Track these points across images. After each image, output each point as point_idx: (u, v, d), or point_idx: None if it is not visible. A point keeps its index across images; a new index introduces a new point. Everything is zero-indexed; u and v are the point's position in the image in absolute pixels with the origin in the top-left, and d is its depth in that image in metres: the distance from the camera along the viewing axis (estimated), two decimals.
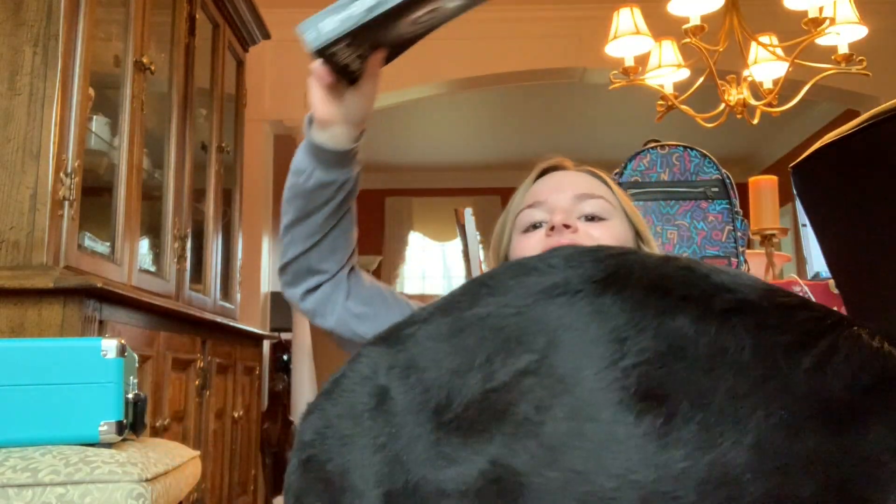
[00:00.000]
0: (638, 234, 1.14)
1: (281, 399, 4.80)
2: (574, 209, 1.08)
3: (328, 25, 0.87)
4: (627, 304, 0.59)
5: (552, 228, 1.06)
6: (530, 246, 1.08)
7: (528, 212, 1.11)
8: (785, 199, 2.65)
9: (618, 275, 0.61)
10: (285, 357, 5.13)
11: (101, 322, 1.76)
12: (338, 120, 0.97)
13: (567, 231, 1.05)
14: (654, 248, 1.16)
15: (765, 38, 3.06)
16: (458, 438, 0.57)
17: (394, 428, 0.60)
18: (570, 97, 5.99)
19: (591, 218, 1.09)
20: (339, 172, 1.00)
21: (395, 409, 0.60)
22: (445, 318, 0.64)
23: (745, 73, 3.10)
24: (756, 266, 2.14)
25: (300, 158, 1.01)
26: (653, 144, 1.89)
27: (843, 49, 2.90)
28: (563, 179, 1.13)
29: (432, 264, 8.16)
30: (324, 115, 0.97)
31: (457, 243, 7.20)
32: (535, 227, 1.10)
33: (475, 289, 0.65)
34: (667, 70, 3.15)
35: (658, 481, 0.52)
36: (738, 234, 1.82)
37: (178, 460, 1.33)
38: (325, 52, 0.89)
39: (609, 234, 1.08)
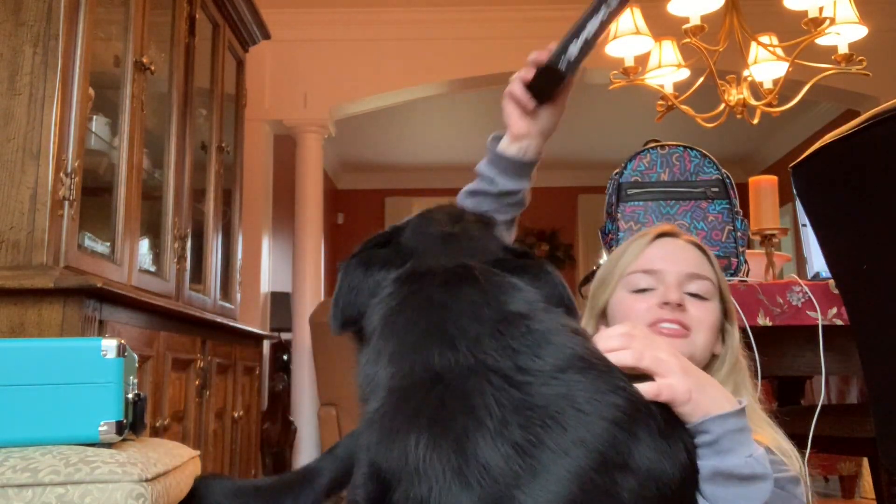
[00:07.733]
0: (725, 312, 1.23)
1: (281, 399, 4.79)
2: (683, 285, 1.19)
3: (573, 50, 1.14)
4: None
5: (666, 303, 1.16)
6: (641, 309, 1.18)
7: (642, 276, 1.21)
8: (785, 199, 2.65)
9: None
10: (285, 357, 5.12)
11: (101, 322, 1.75)
12: (533, 134, 1.21)
13: (678, 309, 1.16)
14: (735, 324, 1.25)
15: (765, 38, 3.06)
16: None
17: None
18: (570, 97, 5.98)
19: (695, 295, 1.19)
20: (520, 182, 1.22)
21: None
22: None
23: (745, 73, 3.09)
24: (756, 266, 2.14)
25: (487, 169, 1.24)
26: (653, 144, 1.88)
27: (843, 49, 2.90)
28: (677, 252, 1.23)
29: None
30: (521, 130, 1.21)
31: None
32: (644, 290, 1.20)
33: None
34: (667, 70, 3.15)
35: None
36: (738, 234, 1.81)
37: (178, 460, 1.33)
38: (573, 72, 1.16)
39: (706, 314, 1.19)
